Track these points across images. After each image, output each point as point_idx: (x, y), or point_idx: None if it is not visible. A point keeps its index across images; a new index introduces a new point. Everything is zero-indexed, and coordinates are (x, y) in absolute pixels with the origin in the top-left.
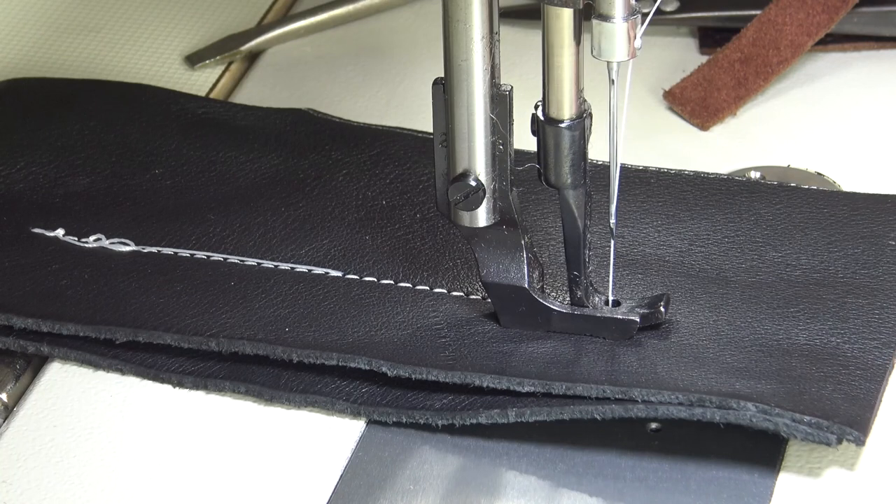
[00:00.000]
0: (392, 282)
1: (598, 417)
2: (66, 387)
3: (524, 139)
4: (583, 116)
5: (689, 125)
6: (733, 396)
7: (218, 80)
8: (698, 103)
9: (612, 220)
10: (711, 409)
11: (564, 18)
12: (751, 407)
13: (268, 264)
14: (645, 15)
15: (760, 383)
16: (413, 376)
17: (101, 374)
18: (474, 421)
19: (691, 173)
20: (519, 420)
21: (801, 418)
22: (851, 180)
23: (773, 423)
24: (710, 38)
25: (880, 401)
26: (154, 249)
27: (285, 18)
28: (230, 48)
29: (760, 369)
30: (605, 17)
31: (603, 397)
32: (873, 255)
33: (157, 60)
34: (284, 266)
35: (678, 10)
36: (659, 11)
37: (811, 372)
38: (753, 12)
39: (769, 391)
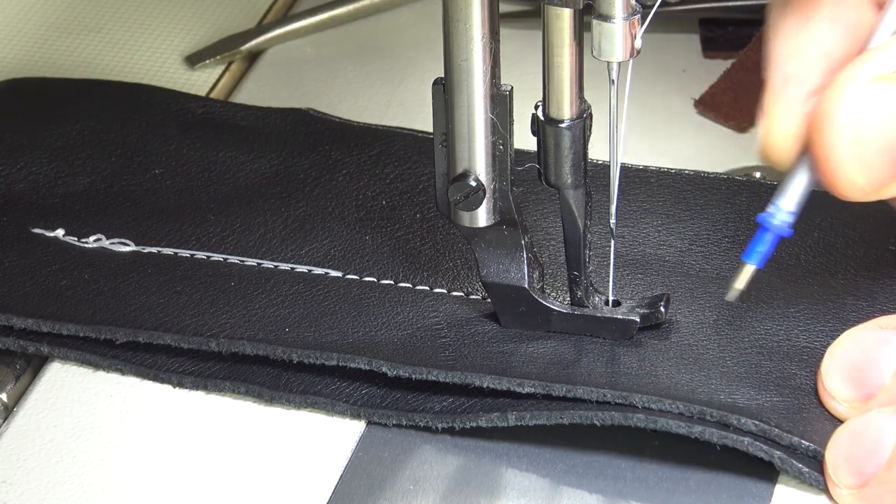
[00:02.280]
0: (392, 282)
1: (598, 423)
2: (66, 387)
3: (524, 139)
4: (583, 116)
5: (689, 125)
6: (733, 411)
7: (218, 80)
8: (731, 107)
9: (613, 220)
10: (710, 429)
11: (565, 18)
12: (751, 426)
13: (268, 264)
14: (645, 15)
15: (761, 394)
16: (413, 376)
17: (101, 374)
18: (474, 424)
19: (691, 173)
20: (519, 423)
21: (800, 443)
22: None
23: (768, 455)
24: (713, 40)
25: None
26: (154, 250)
27: (285, 18)
28: (230, 48)
29: (760, 376)
30: (606, 17)
31: (603, 401)
32: (873, 257)
33: (157, 60)
34: (284, 266)
35: (681, 3)
36: (664, 3)
37: (810, 383)
38: (756, 2)
39: (769, 406)
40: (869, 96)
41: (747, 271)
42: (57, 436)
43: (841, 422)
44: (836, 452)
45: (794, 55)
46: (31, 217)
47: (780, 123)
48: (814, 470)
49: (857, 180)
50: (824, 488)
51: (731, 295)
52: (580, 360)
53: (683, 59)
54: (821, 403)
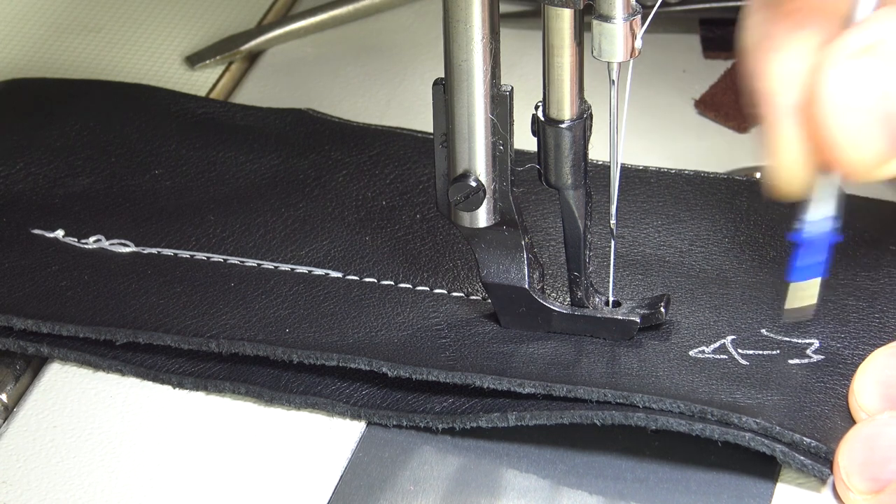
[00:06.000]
0: (392, 283)
1: (598, 423)
2: (66, 387)
3: (524, 139)
4: (583, 117)
5: (689, 125)
6: (734, 410)
7: (218, 80)
8: (731, 107)
9: (613, 221)
10: (711, 426)
11: (565, 19)
12: (752, 424)
13: (268, 265)
14: (646, 15)
15: (761, 393)
16: (413, 376)
17: (101, 374)
18: (474, 424)
19: (691, 173)
20: (519, 424)
21: (801, 440)
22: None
23: (770, 449)
24: (713, 40)
25: None
26: (154, 251)
27: (285, 18)
28: (230, 48)
29: (761, 376)
30: (606, 18)
31: (604, 401)
32: (874, 258)
33: (157, 60)
34: (284, 267)
35: (681, 3)
36: (664, 3)
37: (811, 382)
38: None
39: (770, 404)
40: (853, 71)
41: (816, 283)
42: (57, 436)
43: (841, 419)
44: (850, 457)
45: (789, 85)
46: (30, 218)
47: (792, 153)
48: (816, 462)
49: (855, 156)
50: (828, 479)
51: (807, 311)
52: (580, 361)
53: (683, 59)
54: (851, 418)
